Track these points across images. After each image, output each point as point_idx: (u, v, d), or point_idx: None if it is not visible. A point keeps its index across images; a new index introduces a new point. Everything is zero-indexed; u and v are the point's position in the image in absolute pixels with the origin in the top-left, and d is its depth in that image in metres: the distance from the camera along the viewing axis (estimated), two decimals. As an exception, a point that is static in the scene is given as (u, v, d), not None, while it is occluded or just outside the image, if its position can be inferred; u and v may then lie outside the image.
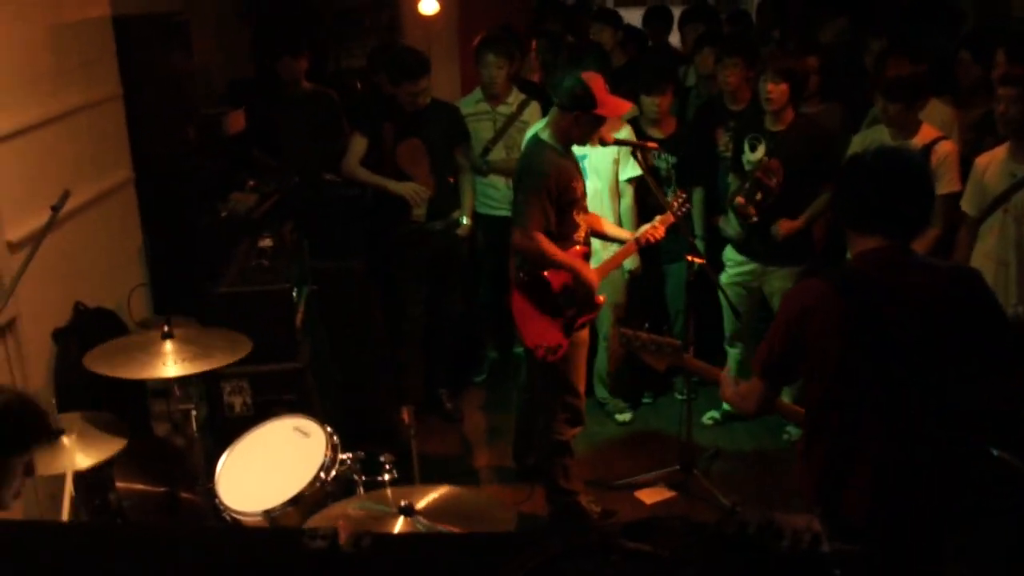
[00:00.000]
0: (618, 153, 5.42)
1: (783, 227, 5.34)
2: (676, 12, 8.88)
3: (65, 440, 3.49)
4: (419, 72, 5.59)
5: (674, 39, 8.88)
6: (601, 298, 4.80)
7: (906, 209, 2.96)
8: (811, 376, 3.02)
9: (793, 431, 5.61)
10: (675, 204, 5.05)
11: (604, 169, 5.49)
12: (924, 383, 2.91)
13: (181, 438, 4.88)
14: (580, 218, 4.70)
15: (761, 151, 5.39)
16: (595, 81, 4.50)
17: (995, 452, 3.09)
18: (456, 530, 2.97)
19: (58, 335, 4.68)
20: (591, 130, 4.63)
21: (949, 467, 2.95)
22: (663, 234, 4.97)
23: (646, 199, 5.62)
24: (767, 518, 1.55)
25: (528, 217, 4.51)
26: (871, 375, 2.91)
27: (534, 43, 6.96)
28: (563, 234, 4.61)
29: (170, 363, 3.69)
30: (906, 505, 2.94)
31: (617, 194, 5.58)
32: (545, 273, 4.63)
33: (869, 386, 2.92)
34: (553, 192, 4.51)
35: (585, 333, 4.90)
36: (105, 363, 3.70)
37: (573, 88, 4.48)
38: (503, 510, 3.23)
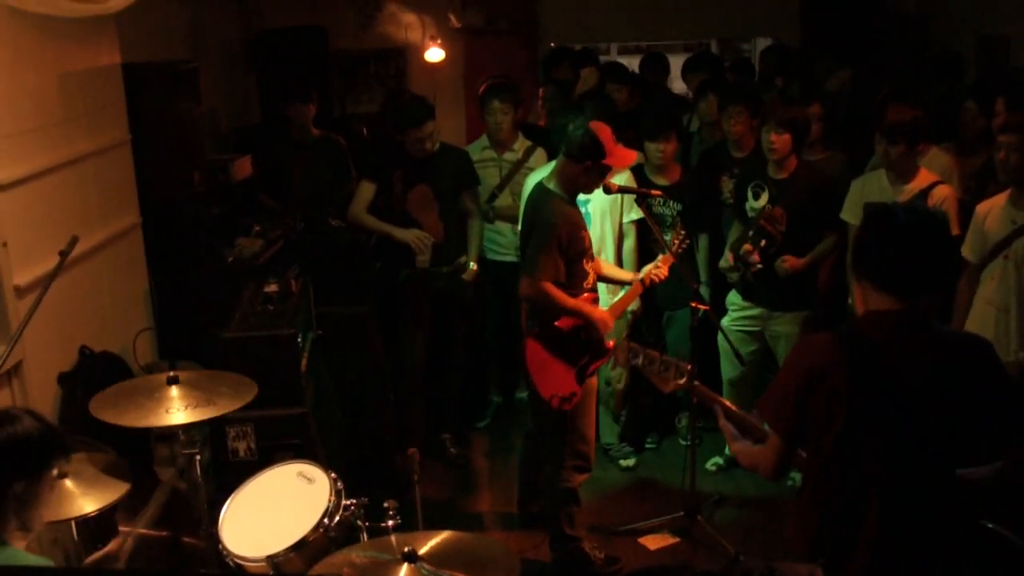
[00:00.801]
0: (621, 196, 5.45)
1: (788, 263, 5.35)
2: (678, 59, 9.01)
3: (68, 484, 3.48)
4: (423, 118, 5.63)
5: (677, 86, 8.98)
6: (611, 343, 4.82)
7: (928, 271, 2.91)
8: (815, 436, 2.95)
9: (798, 477, 5.56)
10: (675, 242, 5.07)
11: (607, 212, 5.52)
12: (927, 451, 2.86)
13: (184, 482, 4.87)
14: (588, 267, 4.72)
15: (764, 198, 5.42)
16: (603, 131, 4.53)
17: (990, 525, 3.05)
18: (461, 576, 2.96)
19: (63, 379, 4.69)
20: (598, 179, 4.65)
21: (948, 538, 2.90)
22: (667, 274, 4.99)
23: (648, 241, 5.65)
24: (770, 567, 1.55)
25: (537, 267, 4.52)
26: (874, 440, 2.86)
27: (542, 91, 7.01)
28: (572, 283, 4.62)
29: (175, 409, 3.68)
30: (904, 573, 2.90)
31: (620, 236, 5.60)
32: (558, 323, 4.64)
33: (872, 451, 2.87)
34: (563, 243, 4.53)
35: (595, 380, 4.90)
36: (110, 409, 3.68)
37: (583, 138, 4.50)
38: (507, 556, 3.21)
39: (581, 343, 4.68)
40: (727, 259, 5.59)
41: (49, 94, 4.71)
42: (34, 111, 4.55)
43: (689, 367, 3.64)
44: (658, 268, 4.97)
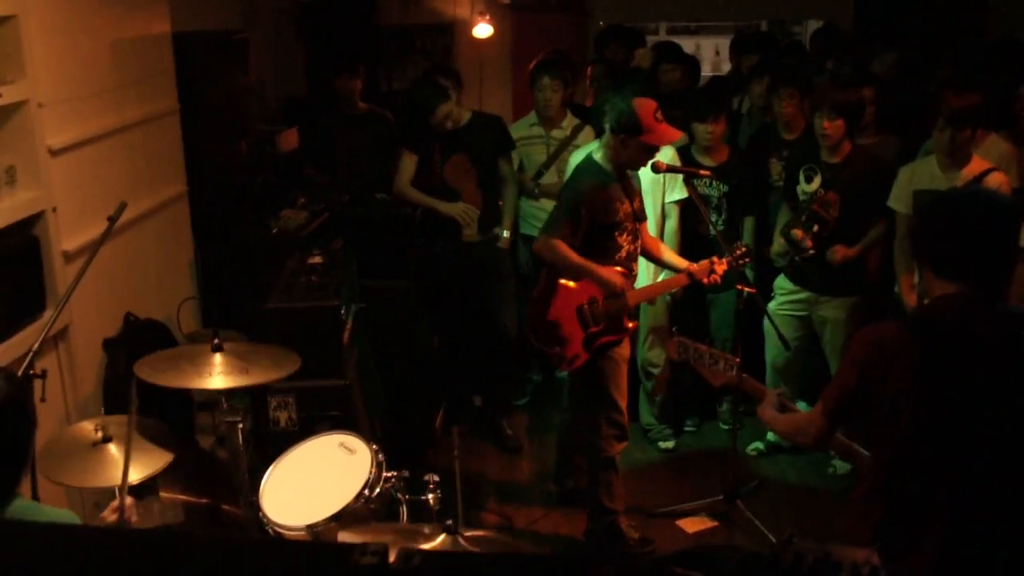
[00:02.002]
0: (664, 176, 5.39)
1: (839, 253, 5.28)
2: (725, 40, 8.93)
3: (112, 448, 3.50)
4: (435, 104, 5.62)
5: (725, 67, 8.90)
6: (631, 323, 4.77)
7: (994, 256, 2.82)
8: (879, 424, 2.88)
9: (839, 465, 5.54)
10: (737, 253, 4.99)
11: (650, 191, 5.47)
12: (1002, 435, 2.76)
13: (224, 451, 4.91)
14: (623, 240, 4.69)
15: (817, 182, 5.35)
16: (645, 107, 4.50)
17: None
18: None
19: (108, 344, 4.74)
20: (639, 156, 4.62)
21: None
22: (720, 281, 4.93)
23: (694, 225, 5.60)
24: (824, 551, 1.52)
25: (553, 225, 4.60)
26: (945, 431, 2.78)
27: (589, 69, 6.96)
28: (603, 254, 4.61)
29: (218, 375, 3.71)
30: (976, 563, 2.80)
31: (662, 216, 5.56)
32: (561, 280, 4.66)
33: (942, 442, 2.79)
34: (584, 212, 4.53)
35: (626, 350, 4.87)
36: (155, 372, 3.71)
37: (621, 112, 4.49)
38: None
39: (594, 311, 4.67)
40: (779, 244, 5.53)
41: (101, 61, 4.74)
42: (86, 78, 4.59)
43: (738, 360, 3.65)
44: (714, 273, 4.90)
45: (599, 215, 4.57)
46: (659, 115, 4.53)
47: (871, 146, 5.71)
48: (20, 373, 3.35)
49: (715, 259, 4.93)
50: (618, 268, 4.67)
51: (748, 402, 5.96)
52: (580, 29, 8.96)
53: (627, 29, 8.09)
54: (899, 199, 5.14)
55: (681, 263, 5.03)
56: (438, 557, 1.85)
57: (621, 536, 4.94)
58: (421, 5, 8.56)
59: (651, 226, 5.41)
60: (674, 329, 3.88)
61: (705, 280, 4.91)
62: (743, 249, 5.01)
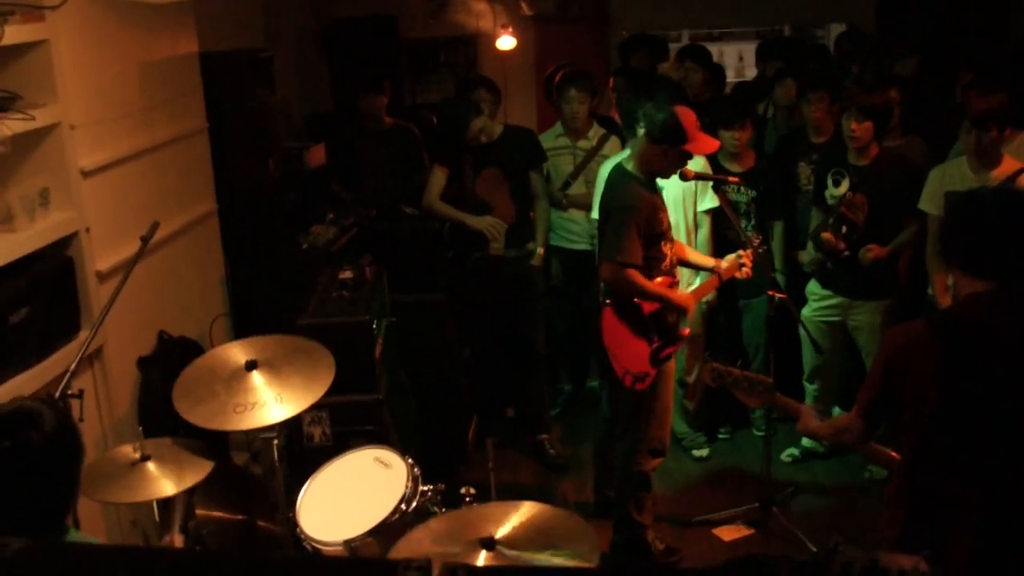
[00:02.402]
0: (695, 185, 5.40)
1: (872, 252, 5.25)
2: (750, 46, 8.90)
3: (151, 466, 3.53)
4: (466, 120, 5.64)
5: (750, 72, 8.87)
6: (687, 331, 4.77)
7: (1021, 254, 2.83)
8: (906, 421, 2.92)
9: (876, 470, 5.50)
10: (755, 243, 5.01)
11: (680, 201, 5.46)
12: (1022, 437, 2.78)
13: (259, 467, 4.93)
14: (667, 248, 4.68)
15: (845, 186, 5.33)
16: (687, 116, 4.50)
17: None
18: (540, 556, 2.94)
19: (142, 363, 4.77)
20: (677, 164, 4.61)
21: None
22: (751, 273, 4.93)
23: (723, 231, 5.59)
24: (872, 558, 1.51)
25: (619, 250, 4.47)
26: (969, 425, 2.80)
27: (612, 80, 6.97)
28: (650, 265, 4.57)
29: (254, 411, 3.65)
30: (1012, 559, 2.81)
31: (695, 225, 5.55)
32: (636, 300, 4.61)
33: (966, 437, 2.80)
34: (642, 225, 4.49)
35: (672, 365, 4.86)
36: (193, 405, 3.66)
37: (666, 121, 4.46)
38: (585, 531, 3.19)
39: (657, 326, 4.64)
40: (809, 252, 5.52)
41: (130, 82, 4.78)
42: (116, 99, 4.63)
43: (771, 381, 3.74)
44: (743, 267, 4.90)
45: (650, 227, 4.55)
46: (699, 124, 4.54)
47: (898, 148, 5.68)
48: (58, 394, 3.38)
49: (741, 252, 4.96)
50: (663, 279, 4.66)
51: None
52: (602, 39, 8.97)
53: (650, 37, 8.09)
54: (931, 201, 5.11)
55: (708, 262, 5.04)
56: (481, 573, 1.85)
57: (646, 548, 4.93)
58: (443, 19, 8.59)
59: (682, 235, 5.41)
60: (707, 355, 3.90)
61: (737, 274, 4.90)
62: (759, 239, 5.04)
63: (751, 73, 8.73)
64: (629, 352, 4.61)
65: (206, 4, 4.25)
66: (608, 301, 4.62)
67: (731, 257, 4.96)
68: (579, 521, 3.22)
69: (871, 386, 3.02)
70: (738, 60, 10.67)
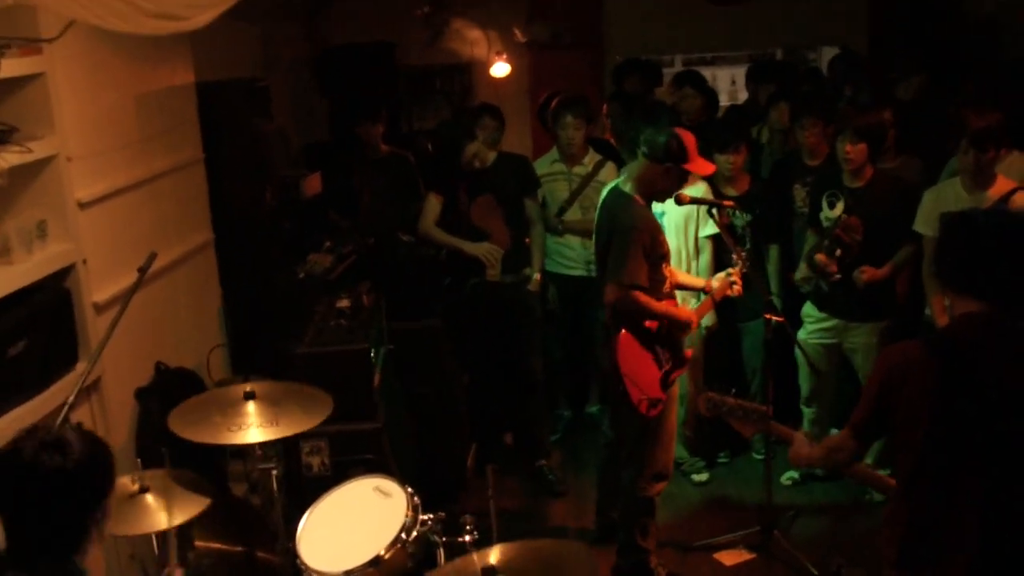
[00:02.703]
0: (696, 211, 5.41)
1: (866, 275, 5.26)
2: (741, 70, 8.94)
3: (149, 499, 3.52)
4: (460, 145, 5.68)
5: (742, 96, 8.90)
6: (690, 351, 4.77)
7: (1015, 275, 2.85)
8: (901, 441, 2.94)
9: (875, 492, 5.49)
10: (739, 261, 5.02)
11: (682, 226, 5.48)
12: (1015, 457, 2.80)
13: (258, 497, 4.91)
14: (667, 271, 4.69)
15: (840, 208, 5.34)
16: (688, 137, 4.54)
17: None
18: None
19: (140, 394, 4.75)
20: (676, 184, 4.64)
21: None
22: (741, 291, 4.94)
23: (723, 256, 5.60)
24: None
25: (621, 271, 4.47)
26: (964, 444, 2.81)
27: (606, 106, 6.99)
28: (652, 288, 4.57)
29: (252, 428, 3.69)
30: None
31: (696, 251, 5.56)
32: (647, 324, 4.61)
33: (961, 456, 2.82)
34: (647, 245, 4.50)
35: (676, 389, 4.86)
36: (188, 426, 3.70)
37: (668, 141, 4.49)
38: (586, 558, 3.19)
39: (666, 348, 4.65)
40: (802, 270, 5.53)
41: (127, 113, 4.79)
42: (113, 131, 4.63)
43: (766, 408, 3.75)
44: (734, 284, 4.91)
45: (652, 248, 4.56)
46: (697, 146, 4.58)
47: (893, 169, 5.70)
48: (57, 426, 3.36)
49: (730, 270, 4.98)
50: (665, 301, 4.68)
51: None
52: (596, 65, 9.01)
53: (643, 62, 8.13)
54: (925, 222, 5.12)
55: (699, 283, 5.06)
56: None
57: (650, 574, 4.91)
58: (439, 47, 8.63)
59: (682, 261, 5.42)
60: (702, 384, 3.87)
61: (728, 292, 4.93)
62: (743, 253, 5.05)
63: (744, 97, 8.76)
64: (645, 377, 4.61)
65: (202, 34, 4.24)
66: (623, 326, 4.61)
67: (720, 276, 4.99)
68: (580, 548, 3.22)
69: (865, 405, 3.02)
70: (731, 84, 10.72)
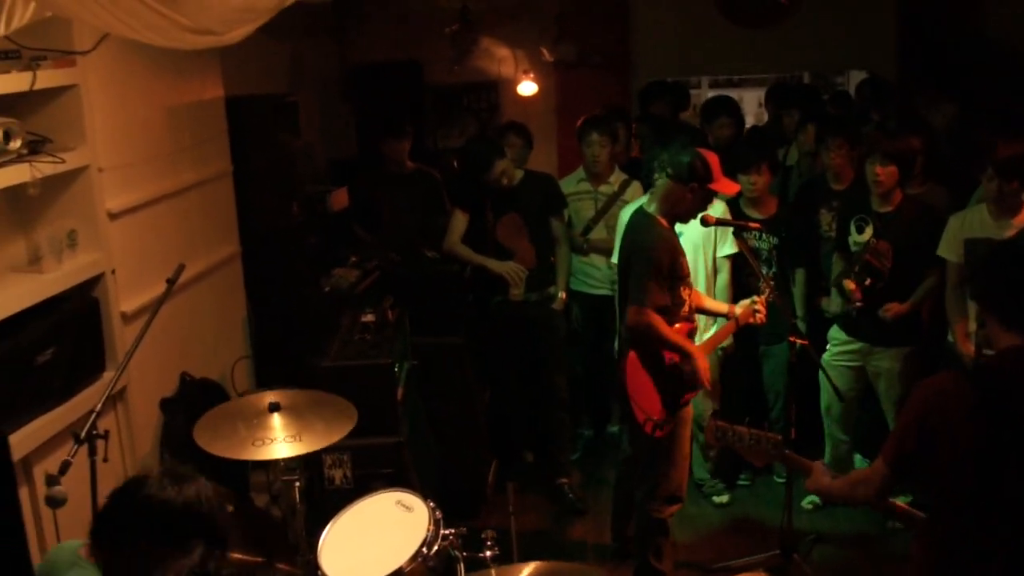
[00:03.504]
0: (715, 230, 5.40)
1: (891, 311, 5.25)
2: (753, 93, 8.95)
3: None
4: (490, 161, 5.68)
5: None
6: (706, 378, 4.77)
7: None
8: (937, 473, 2.86)
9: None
10: (767, 290, 5.00)
11: (700, 246, 5.48)
12: None
13: (279, 508, 4.92)
14: (685, 294, 4.68)
15: (869, 232, 5.32)
16: (712, 157, 4.55)
17: None
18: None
19: (165, 404, 4.79)
20: (701, 205, 4.63)
21: None
22: (765, 319, 4.93)
23: (743, 277, 5.59)
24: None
25: (644, 294, 4.46)
26: (1003, 478, 2.75)
27: (634, 125, 7.01)
28: (670, 310, 4.58)
29: (276, 443, 3.68)
30: None
31: (714, 271, 5.56)
32: (665, 353, 4.61)
33: (999, 490, 2.76)
34: (665, 268, 4.50)
35: (690, 411, 4.85)
36: (214, 439, 3.69)
37: (692, 161, 4.49)
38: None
39: (677, 373, 4.64)
40: (836, 303, 5.49)
41: (158, 126, 4.85)
42: (144, 143, 4.69)
43: (780, 438, 3.58)
44: (758, 312, 4.90)
45: (672, 270, 4.56)
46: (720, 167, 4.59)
47: (919, 195, 5.69)
48: (84, 434, 3.39)
49: (756, 297, 4.96)
50: (682, 325, 4.66)
51: (802, 454, 5.93)
52: (623, 85, 9.02)
53: (670, 84, 8.14)
54: (950, 248, 5.11)
55: (723, 308, 5.05)
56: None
57: None
58: (466, 65, 8.67)
59: (701, 281, 5.41)
60: (712, 414, 3.71)
61: (751, 320, 4.90)
62: (770, 286, 5.05)
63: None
64: (650, 399, 4.61)
65: (233, 49, 4.30)
66: (632, 348, 4.61)
67: (745, 303, 4.97)
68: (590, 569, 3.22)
69: (901, 439, 2.93)
70: (758, 106, 10.74)
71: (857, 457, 5.93)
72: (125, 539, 2.61)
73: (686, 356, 4.60)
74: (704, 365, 4.64)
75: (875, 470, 3.03)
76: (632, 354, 4.59)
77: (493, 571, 3.20)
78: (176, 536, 2.63)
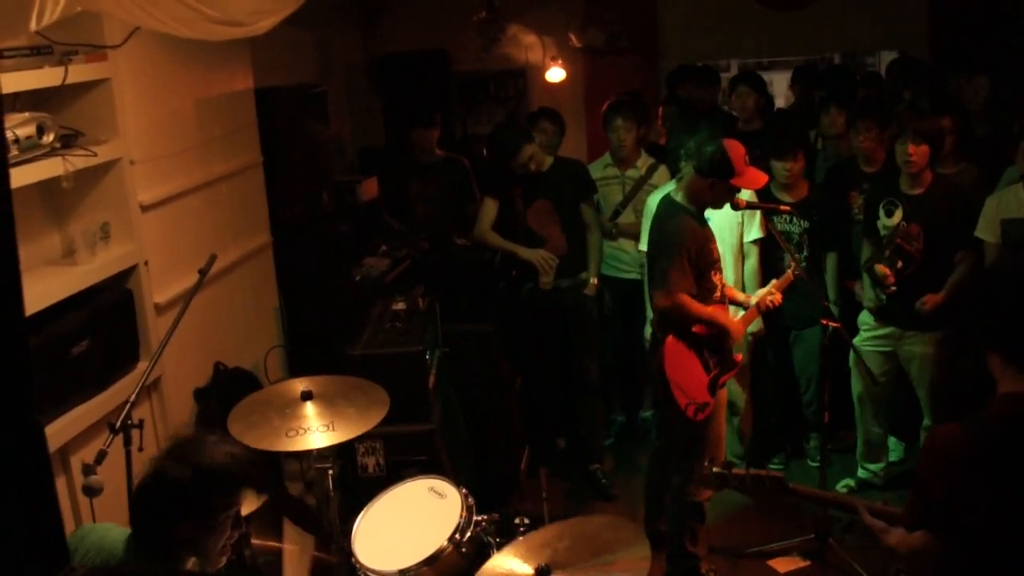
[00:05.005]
0: (742, 215, 5.38)
1: (929, 303, 5.20)
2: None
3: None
4: (517, 146, 5.66)
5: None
6: (739, 356, 4.76)
7: None
8: (950, 525, 2.60)
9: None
10: (792, 267, 4.99)
11: (728, 230, 5.45)
12: None
13: (313, 496, 4.96)
14: (717, 279, 4.68)
15: (898, 216, 5.27)
16: (736, 150, 4.50)
17: None
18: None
19: (199, 394, 4.83)
20: (725, 197, 4.62)
21: None
22: (781, 300, 4.91)
23: (771, 262, 5.56)
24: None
25: (669, 280, 4.48)
26: (1005, 528, 2.53)
27: (661, 109, 6.99)
28: (702, 296, 4.57)
29: (309, 433, 3.69)
30: None
31: (741, 256, 5.53)
32: (695, 329, 4.61)
33: (1007, 544, 2.54)
34: (692, 254, 4.50)
35: (724, 394, 4.85)
36: (248, 430, 3.71)
37: (713, 155, 4.47)
38: (636, 534, 3.21)
39: (714, 352, 4.64)
40: (868, 292, 5.45)
41: (188, 118, 4.88)
42: (175, 135, 4.72)
43: (781, 475, 3.24)
44: (772, 294, 4.90)
45: (701, 258, 4.56)
46: (747, 158, 4.54)
47: (951, 176, 5.63)
48: (119, 424, 3.43)
49: (774, 280, 4.99)
50: (716, 307, 4.67)
51: (837, 439, 5.91)
52: (652, 69, 8.98)
53: (699, 68, 8.11)
54: (987, 228, 5.06)
55: (739, 297, 5.02)
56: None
57: None
58: (494, 52, 8.65)
59: (729, 266, 5.39)
60: (708, 462, 3.48)
61: (770, 305, 4.92)
62: (796, 264, 5.04)
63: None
64: (692, 382, 4.61)
65: (262, 41, 4.33)
66: (669, 331, 4.61)
67: (760, 292, 4.98)
68: (625, 523, 3.23)
69: (915, 498, 2.68)
70: (787, 88, 10.65)
71: (892, 440, 5.90)
72: (166, 521, 2.65)
73: (719, 328, 4.60)
74: (739, 329, 4.67)
75: (918, 539, 2.70)
76: (670, 339, 4.58)
77: (522, 541, 3.20)
78: (214, 499, 2.70)
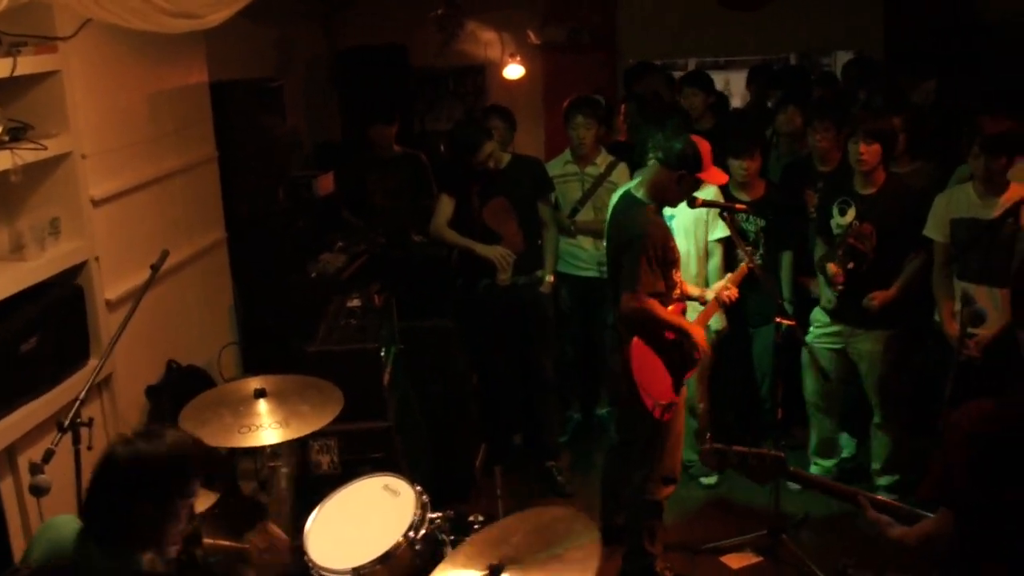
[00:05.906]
0: (707, 214, 5.41)
1: (877, 299, 5.24)
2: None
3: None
4: (478, 143, 5.64)
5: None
6: (704, 348, 4.77)
7: None
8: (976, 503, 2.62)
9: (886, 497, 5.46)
10: (745, 257, 5.03)
11: (692, 230, 5.47)
12: None
13: (267, 495, 4.92)
14: (676, 276, 4.69)
15: (851, 215, 5.31)
16: (703, 146, 4.54)
17: None
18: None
19: (151, 392, 4.78)
20: (688, 192, 4.63)
21: None
22: (737, 295, 4.93)
23: (733, 260, 5.59)
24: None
25: (636, 281, 4.47)
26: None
27: (623, 106, 7.00)
28: (664, 294, 4.59)
29: (262, 429, 3.70)
30: None
31: (706, 254, 5.56)
32: (666, 334, 4.62)
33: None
34: (658, 252, 4.50)
35: (684, 392, 4.86)
36: (199, 425, 3.67)
37: (684, 148, 4.49)
38: (585, 525, 3.21)
39: (680, 353, 4.65)
40: (824, 293, 5.48)
41: (141, 112, 4.83)
42: (127, 128, 4.66)
43: (783, 455, 3.37)
44: (728, 289, 4.92)
45: (664, 254, 4.56)
46: (712, 155, 4.57)
47: (905, 174, 5.68)
48: (67, 422, 3.39)
49: (729, 275, 5.03)
50: (675, 306, 4.69)
51: (790, 436, 5.95)
52: (610, 68, 9.01)
53: (654, 66, 8.14)
54: (936, 228, 5.11)
55: (695, 292, 5.03)
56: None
57: None
58: (453, 48, 8.64)
59: (693, 264, 5.41)
60: (708, 436, 3.45)
61: (726, 301, 4.92)
62: (749, 249, 5.10)
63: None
64: (657, 383, 4.62)
65: (217, 34, 4.29)
66: (634, 334, 4.60)
67: (716, 286, 5.00)
68: (578, 515, 3.23)
69: (956, 477, 2.64)
70: (744, 88, 10.72)
71: (844, 437, 5.95)
72: (125, 504, 2.61)
73: (684, 334, 4.61)
74: (702, 334, 4.68)
75: (939, 520, 2.76)
76: (636, 340, 4.58)
77: (471, 540, 3.20)
78: (174, 481, 2.66)
